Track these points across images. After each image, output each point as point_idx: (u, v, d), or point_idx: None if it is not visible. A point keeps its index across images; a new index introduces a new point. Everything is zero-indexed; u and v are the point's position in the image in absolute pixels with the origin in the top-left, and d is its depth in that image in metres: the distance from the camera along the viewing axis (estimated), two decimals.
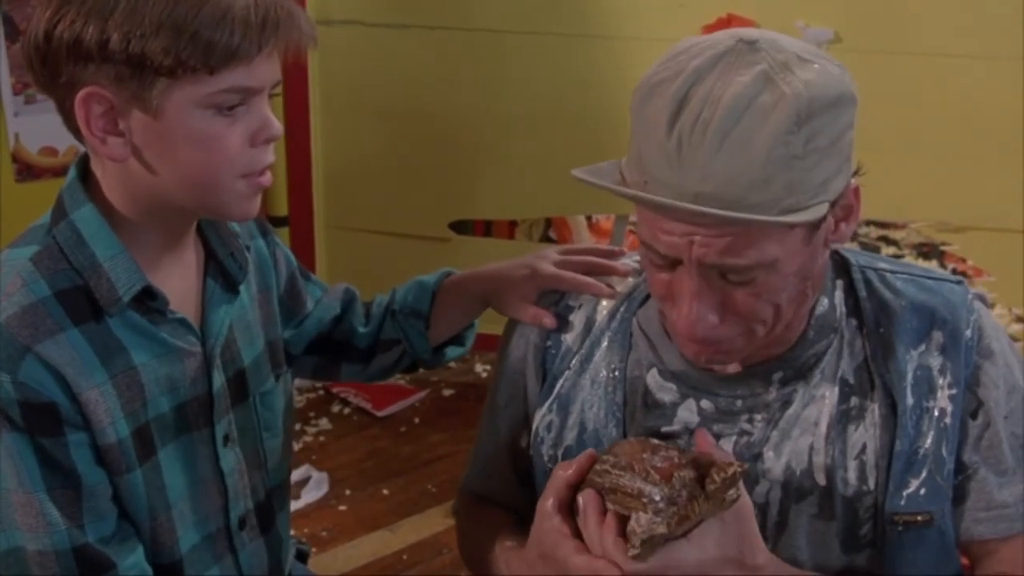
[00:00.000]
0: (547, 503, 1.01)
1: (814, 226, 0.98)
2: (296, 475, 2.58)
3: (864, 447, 1.07)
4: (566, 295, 1.21)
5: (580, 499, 0.99)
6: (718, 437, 1.09)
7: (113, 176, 1.06)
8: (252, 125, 1.03)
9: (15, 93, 2.46)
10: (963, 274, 2.81)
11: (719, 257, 0.96)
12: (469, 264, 1.35)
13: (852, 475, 1.07)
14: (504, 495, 1.24)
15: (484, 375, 3.13)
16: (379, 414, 2.96)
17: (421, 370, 1.39)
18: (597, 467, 1.00)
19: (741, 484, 0.97)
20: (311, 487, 2.62)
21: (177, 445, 1.13)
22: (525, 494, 1.21)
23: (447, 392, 3.08)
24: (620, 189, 0.97)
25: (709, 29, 2.50)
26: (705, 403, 1.10)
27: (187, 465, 1.14)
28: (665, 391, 1.12)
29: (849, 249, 1.15)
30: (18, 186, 2.50)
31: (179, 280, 1.12)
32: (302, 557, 1.42)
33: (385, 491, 2.64)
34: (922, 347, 1.08)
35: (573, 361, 1.17)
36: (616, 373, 1.14)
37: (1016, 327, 2.65)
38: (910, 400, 1.06)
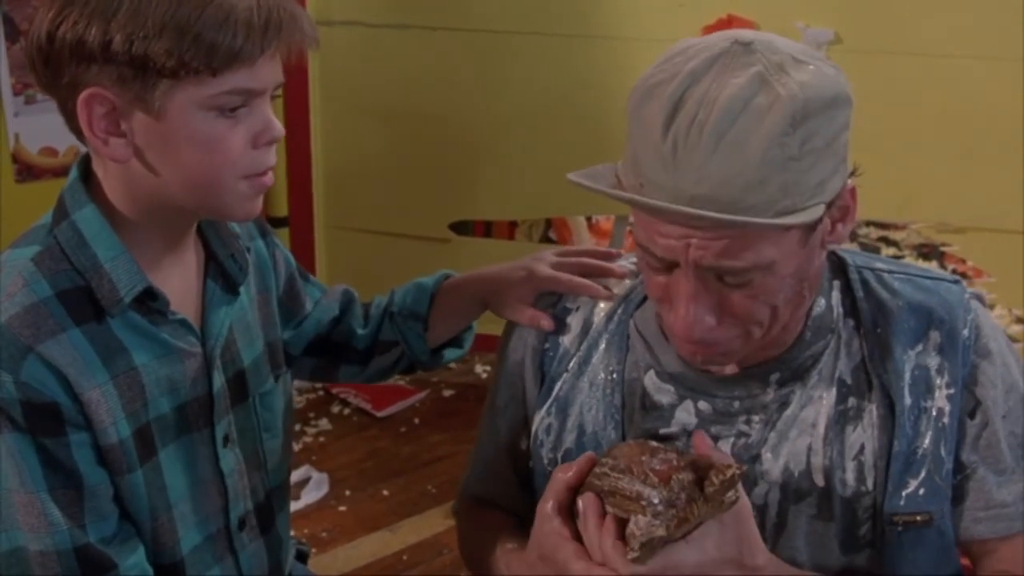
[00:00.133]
0: (547, 505, 1.01)
1: (810, 228, 0.98)
2: (296, 475, 2.58)
3: (862, 448, 1.07)
4: (563, 297, 1.21)
5: (580, 502, 0.99)
6: (716, 438, 1.09)
7: (115, 177, 1.06)
8: (254, 127, 1.04)
9: (15, 93, 2.46)
10: (963, 275, 2.81)
11: (715, 259, 0.96)
12: (469, 265, 1.35)
13: (850, 476, 1.07)
14: (504, 497, 1.24)
15: (484, 376, 3.13)
16: (379, 415, 2.97)
17: (419, 371, 1.39)
18: (596, 470, 1.00)
19: (740, 486, 0.97)
20: (311, 487, 2.62)
21: (178, 446, 1.13)
22: (525, 496, 1.21)
23: (447, 393, 3.09)
24: (615, 193, 0.98)
25: (709, 29, 2.50)
26: (703, 404, 1.10)
27: (187, 466, 1.14)
28: (663, 393, 1.12)
29: (846, 249, 1.15)
30: (18, 186, 2.50)
31: (179, 281, 1.12)
32: (302, 558, 1.42)
33: (385, 492, 2.64)
34: (919, 347, 1.08)
35: (571, 364, 1.17)
36: (614, 375, 1.14)
37: (1016, 328, 2.65)
38: (908, 400, 1.07)
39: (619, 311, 1.17)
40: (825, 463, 1.07)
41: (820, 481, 1.07)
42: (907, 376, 1.07)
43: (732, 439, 1.09)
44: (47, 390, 1.01)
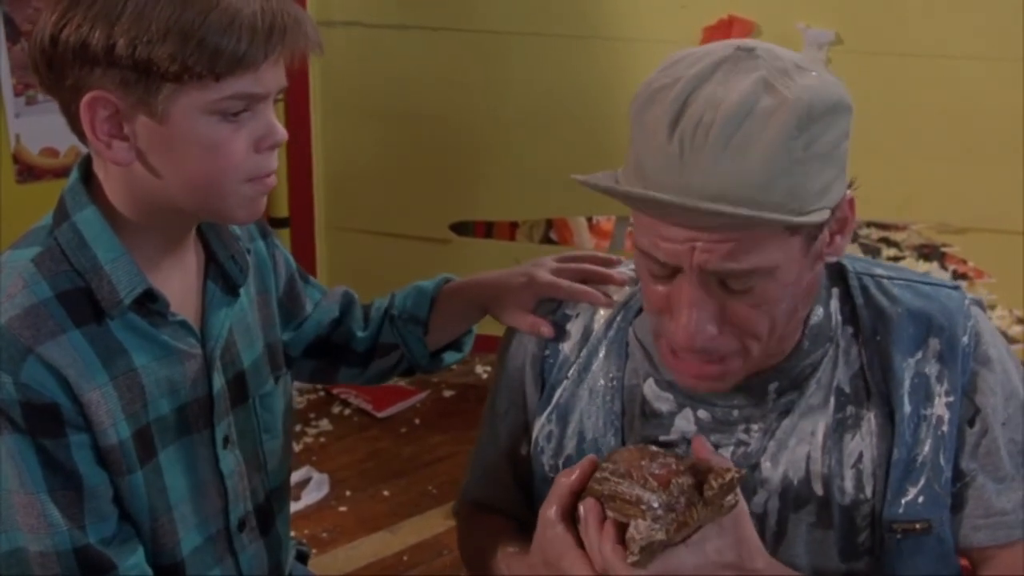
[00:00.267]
0: (550, 511, 1.01)
1: (812, 236, 0.98)
2: (297, 476, 2.58)
3: (861, 456, 1.07)
4: (563, 304, 1.21)
5: (581, 507, 1.00)
6: (715, 447, 1.08)
7: (116, 179, 1.06)
8: (257, 131, 1.03)
9: (16, 94, 2.46)
10: (964, 276, 2.82)
11: (721, 262, 0.95)
12: (470, 265, 1.36)
13: (849, 484, 1.07)
14: (504, 501, 1.24)
15: (484, 376, 3.14)
16: (379, 415, 2.97)
17: (418, 374, 1.39)
18: (597, 475, 1.01)
19: (739, 490, 0.97)
20: (312, 488, 2.62)
21: (178, 447, 1.13)
22: (526, 500, 1.21)
23: (447, 393, 3.09)
24: (631, 190, 0.96)
25: (710, 30, 2.51)
26: (702, 413, 1.10)
27: (188, 467, 1.14)
28: (662, 401, 1.12)
29: (846, 255, 1.15)
30: (19, 187, 2.50)
31: (180, 282, 1.12)
32: (302, 558, 1.42)
33: (385, 492, 2.64)
34: (919, 354, 1.08)
35: (571, 371, 1.17)
36: (614, 383, 1.14)
37: (1017, 328, 2.65)
38: (907, 408, 1.06)
39: (618, 318, 1.17)
40: (824, 471, 1.07)
41: (819, 489, 1.07)
42: (906, 384, 1.07)
43: (731, 448, 1.09)
44: (47, 391, 1.01)
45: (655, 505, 0.95)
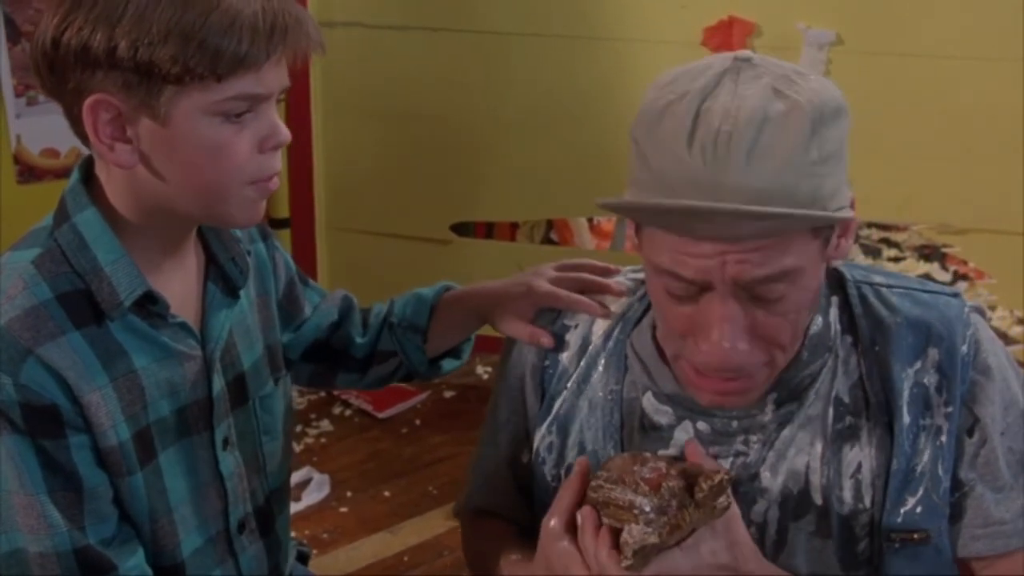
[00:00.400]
0: (555, 523, 1.02)
1: (827, 239, 0.99)
2: (297, 477, 2.58)
3: (859, 466, 1.07)
4: (562, 314, 1.20)
5: (579, 516, 1.01)
6: (715, 458, 1.08)
7: (118, 181, 1.06)
8: (260, 132, 1.03)
9: (17, 95, 2.46)
10: (964, 276, 2.81)
11: (755, 270, 0.94)
12: (471, 266, 1.36)
13: (848, 494, 1.06)
14: (506, 508, 1.24)
15: (485, 377, 3.14)
16: (380, 416, 2.97)
17: (417, 380, 1.39)
18: (592, 483, 1.02)
19: (730, 492, 0.97)
20: (312, 489, 2.62)
21: (177, 449, 1.13)
22: (528, 506, 1.21)
23: (448, 394, 3.09)
24: (662, 202, 0.94)
25: (710, 30, 2.51)
26: (701, 425, 1.10)
27: (187, 469, 1.14)
28: (661, 414, 1.12)
29: (845, 263, 1.14)
30: (20, 188, 2.51)
31: (180, 284, 1.12)
32: (303, 559, 1.42)
33: (386, 493, 2.64)
34: (918, 364, 1.07)
35: (570, 382, 1.17)
36: (612, 396, 1.14)
37: (1017, 329, 2.65)
38: (906, 419, 1.06)
39: (616, 330, 1.16)
40: (823, 482, 1.06)
41: (818, 499, 1.07)
42: (905, 394, 1.06)
43: (731, 459, 1.09)
44: (47, 392, 1.01)
45: (647, 509, 0.96)
